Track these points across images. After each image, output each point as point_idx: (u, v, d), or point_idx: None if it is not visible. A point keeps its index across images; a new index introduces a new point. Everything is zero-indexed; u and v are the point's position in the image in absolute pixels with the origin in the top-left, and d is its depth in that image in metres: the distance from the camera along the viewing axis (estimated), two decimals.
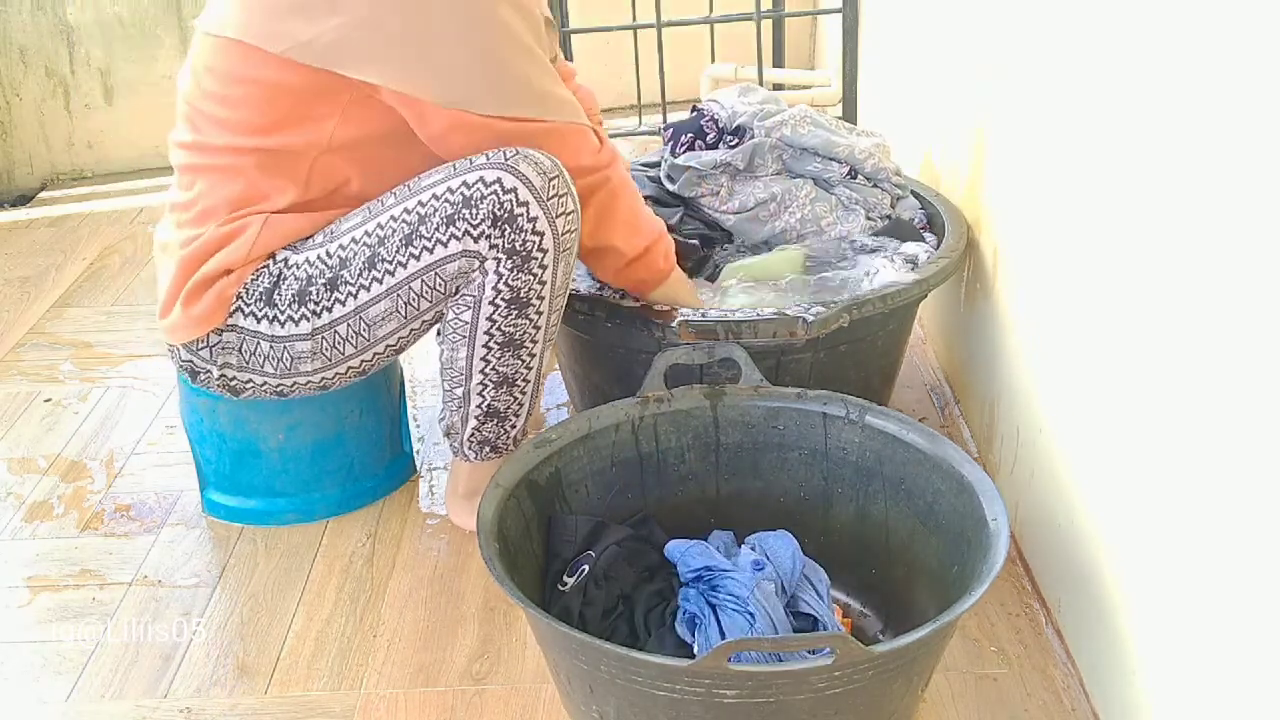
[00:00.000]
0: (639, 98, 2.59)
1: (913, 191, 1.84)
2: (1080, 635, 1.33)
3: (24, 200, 3.02)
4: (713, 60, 2.95)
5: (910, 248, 1.67)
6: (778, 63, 3.05)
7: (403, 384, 1.77)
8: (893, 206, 1.79)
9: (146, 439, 1.90)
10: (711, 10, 2.64)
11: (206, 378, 1.51)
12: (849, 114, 2.54)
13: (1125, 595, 1.19)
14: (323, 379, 1.50)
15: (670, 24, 2.45)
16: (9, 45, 3.02)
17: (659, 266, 1.55)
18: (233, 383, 1.51)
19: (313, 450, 1.64)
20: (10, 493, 1.78)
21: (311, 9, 1.34)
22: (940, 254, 1.65)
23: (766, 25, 2.88)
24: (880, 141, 1.82)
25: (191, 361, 1.50)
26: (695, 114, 1.86)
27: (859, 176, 1.78)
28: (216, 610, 1.51)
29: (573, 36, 2.46)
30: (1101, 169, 1.25)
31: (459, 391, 1.50)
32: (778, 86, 3.01)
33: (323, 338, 1.45)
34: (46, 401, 2.02)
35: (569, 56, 2.45)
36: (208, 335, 1.46)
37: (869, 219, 1.75)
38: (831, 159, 1.77)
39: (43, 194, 3.06)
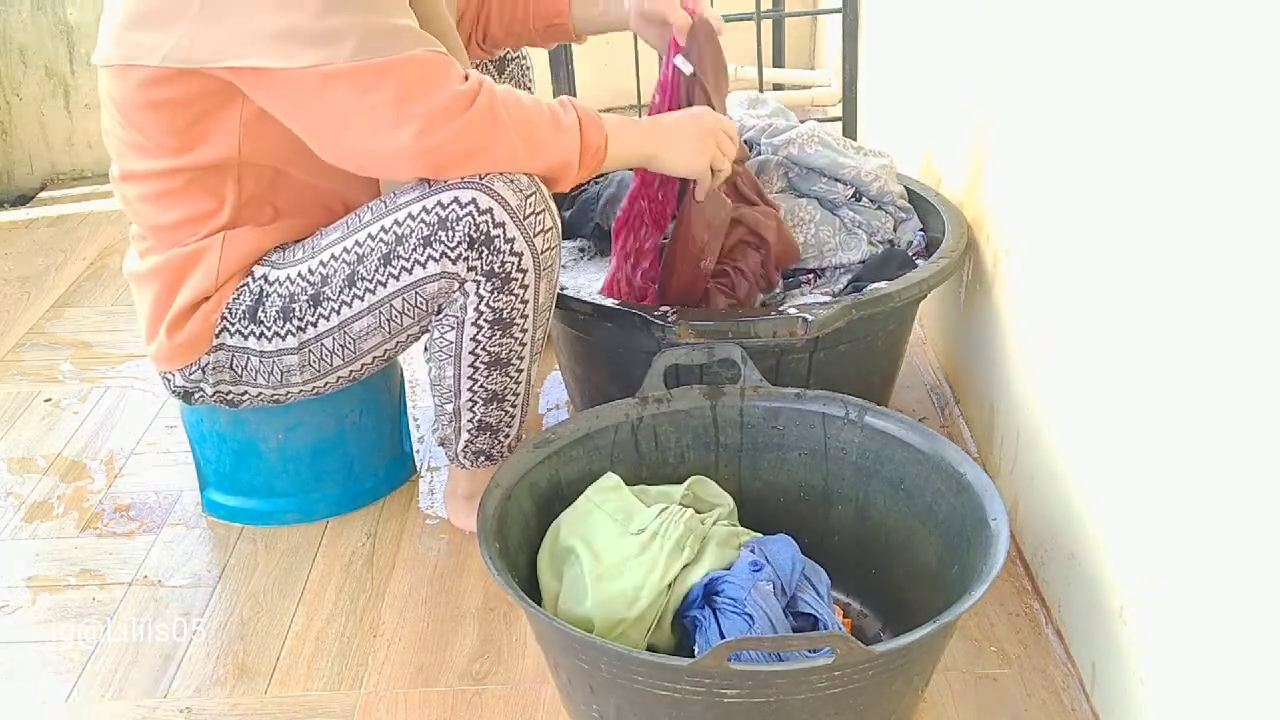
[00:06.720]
0: (639, 98, 2.58)
1: (911, 194, 1.84)
2: (1080, 635, 1.33)
3: (24, 200, 3.02)
4: None
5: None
6: (778, 63, 3.05)
7: (403, 384, 1.77)
8: (895, 230, 1.79)
9: (146, 439, 1.90)
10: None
11: (201, 397, 1.52)
12: (849, 113, 2.54)
13: (1125, 595, 1.19)
14: (314, 387, 1.50)
15: None
16: (9, 45, 3.02)
17: (595, 159, 1.40)
18: (229, 396, 1.51)
19: (312, 450, 1.64)
20: (10, 493, 1.77)
21: (162, 14, 1.30)
22: (940, 254, 1.65)
23: (766, 25, 2.88)
24: (887, 163, 1.81)
25: (185, 386, 1.51)
26: None
27: (863, 199, 1.78)
28: (216, 610, 1.51)
29: None
30: (1102, 169, 1.25)
31: (449, 407, 1.50)
32: (778, 86, 3.01)
33: (310, 351, 1.45)
34: (46, 401, 2.02)
35: (570, 57, 2.45)
36: (199, 357, 1.47)
37: (871, 244, 1.75)
38: (837, 180, 1.77)
39: (43, 194, 3.05)
